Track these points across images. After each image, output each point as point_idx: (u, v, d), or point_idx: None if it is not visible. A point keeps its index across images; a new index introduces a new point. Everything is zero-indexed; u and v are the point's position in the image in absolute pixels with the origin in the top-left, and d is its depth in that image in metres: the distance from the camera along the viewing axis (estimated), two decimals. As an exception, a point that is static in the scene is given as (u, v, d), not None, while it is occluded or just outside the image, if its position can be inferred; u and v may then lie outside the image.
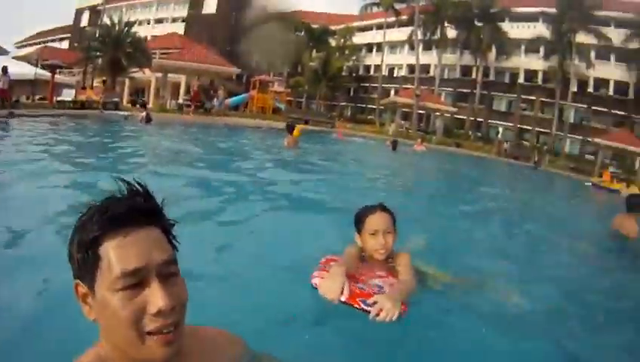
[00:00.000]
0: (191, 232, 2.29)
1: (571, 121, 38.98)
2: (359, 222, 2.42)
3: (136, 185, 0.95)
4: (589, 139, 32.79)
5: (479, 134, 41.24)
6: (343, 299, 1.98)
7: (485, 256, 3.92)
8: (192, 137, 14.41)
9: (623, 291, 3.65)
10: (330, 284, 2.03)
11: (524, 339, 2.32)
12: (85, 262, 0.89)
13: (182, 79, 30.87)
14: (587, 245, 5.36)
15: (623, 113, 37.68)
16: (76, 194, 4.48)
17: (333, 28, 51.17)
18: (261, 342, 1.29)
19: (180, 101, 29.29)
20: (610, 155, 32.01)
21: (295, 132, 10.66)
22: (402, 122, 38.00)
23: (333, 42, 51.07)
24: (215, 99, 26.90)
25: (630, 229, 4.89)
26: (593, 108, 38.73)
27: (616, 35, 36.38)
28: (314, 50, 50.12)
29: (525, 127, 39.79)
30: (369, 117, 46.89)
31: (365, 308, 1.93)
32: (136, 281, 0.86)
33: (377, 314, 1.85)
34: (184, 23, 55.60)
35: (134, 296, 0.86)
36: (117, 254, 0.86)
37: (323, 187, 6.99)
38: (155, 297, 0.85)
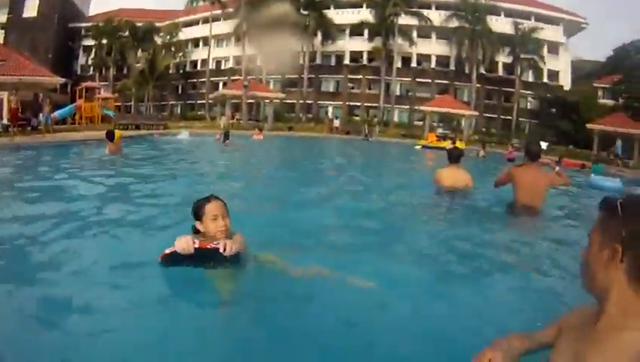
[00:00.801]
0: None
1: (397, 93, 41.33)
2: (199, 210, 2.75)
3: None
4: (416, 108, 35.39)
5: (310, 116, 41.60)
6: (196, 246, 2.47)
7: (331, 237, 3.94)
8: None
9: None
10: (183, 241, 2.49)
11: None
12: None
13: (4, 96, 24.72)
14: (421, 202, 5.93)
15: (445, 82, 41.63)
16: None
17: (158, 25, 48.12)
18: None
19: (5, 121, 23.14)
20: (437, 119, 34.34)
21: (116, 137, 10.36)
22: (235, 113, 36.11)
23: (158, 40, 47.81)
24: (41, 115, 21.81)
25: (455, 179, 5.75)
26: (417, 80, 41.83)
27: (437, 16, 40.28)
28: (139, 50, 46.82)
29: (354, 103, 41.82)
30: (199, 113, 44.26)
31: (214, 245, 2.48)
32: None
33: (224, 249, 2.44)
34: (3, 30, 48.05)
35: None
36: None
37: (154, 186, 6.55)
38: None
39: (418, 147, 23.01)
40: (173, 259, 2.50)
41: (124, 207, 4.75)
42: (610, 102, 40.70)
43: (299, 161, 12.94)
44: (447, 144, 21.15)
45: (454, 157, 5.82)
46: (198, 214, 2.76)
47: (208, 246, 2.47)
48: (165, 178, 7.68)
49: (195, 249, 2.44)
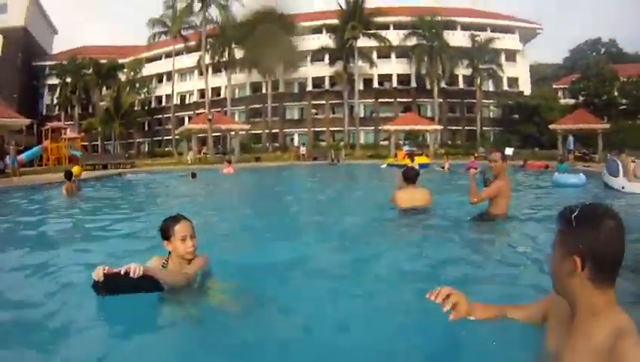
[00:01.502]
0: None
1: (362, 115, 41.67)
2: (167, 231, 2.80)
3: None
4: (380, 128, 35.48)
5: (277, 145, 41.60)
6: (105, 271, 2.40)
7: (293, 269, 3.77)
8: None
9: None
10: (96, 271, 2.40)
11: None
12: None
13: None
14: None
15: (408, 100, 42.51)
16: None
17: (121, 61, 47.64)
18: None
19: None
20: (403, 136, 34.92)
21: (74, 173, 10.28)
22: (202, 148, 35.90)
23: (122, 77, 47.35)
24: (7, 157, 21.21)
25: (413, 199, 5.78)
26: (380, 100, 42.46)
27: (395, 36, 41.03)
28: (104, 88, 46.61)
29: (320, 129, 42.12)
30: (167, 149, 43.83)
31: (119, 269, 2.39)
32: None
33: (128, 272, 2.36)
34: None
35: None
36: None
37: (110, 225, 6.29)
38: None
39: (384, 166, 23.35)
40: (106, 288, 2.41)
41: (82, 245, 4.77)
42: (571, 101, 41.87)
43: (268, 191, 13.01)
44: (408, 161, 21.99)
45: (410, 177, 5.83)
46: (166, 235, 2.79)
47: (115, 271, 2.40)
48: (124, 218, 7.35)
49: (105, 275, 2.36)
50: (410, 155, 25.93)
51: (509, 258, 3.80)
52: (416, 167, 18.20)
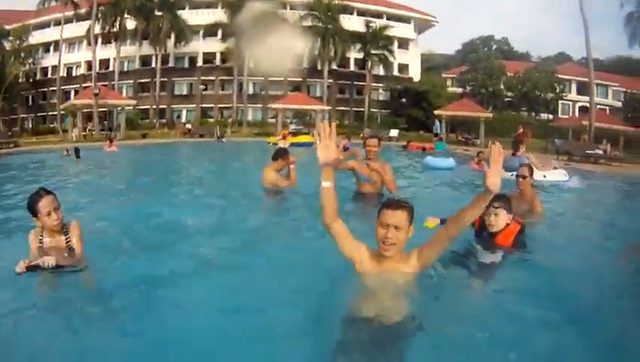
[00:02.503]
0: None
1: (251, 92, 42.09)
2: (33, 208, 3.02)
3: None
4: (269, 106, 36.12)
5: (164, 121, 40.98)
6: (26, 265, 2.78)
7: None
8: None
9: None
10: (19, 264, 2.78)
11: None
12: None
13: None
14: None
15: (299, 79, 43.06)
16: None
17: (7, 27, 43.13)
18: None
19: None
20: (291, 115, 35.78)
21: None
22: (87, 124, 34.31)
23: (7, 45, 42.98)
24: None
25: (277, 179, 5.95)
26: (270, 79, 42.46)
27: (291, 15, 40.14)
28: None
29: (209, 105, 41.97)
30: (52, 125, 41.09)
31: (37, 262, 2.78)
32: None
33: (43, 263, 2.75)
34: None
35: None
36: None
37: None
38: None
39: (270, 144, 23.25)
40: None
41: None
42: (459, 90, 45.02)
43: (149, 170, 12.77)
44: (301, 139, 22.82)
45: (275, 157, 6.00)
46: (33, 212, 3.02)
47: (33, 263, 2.77)
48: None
49: (26, 267, 2.75)
50: (294, 134, 27.01)
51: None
52: (287, 146, 19.22)
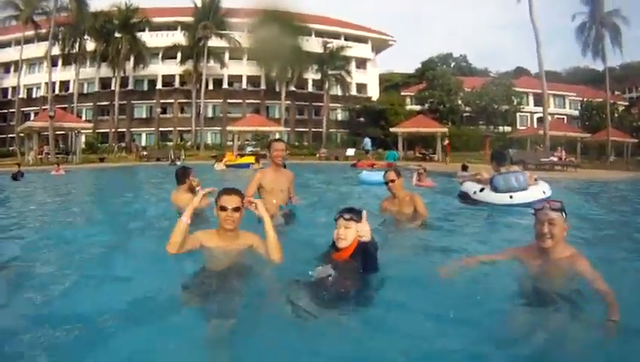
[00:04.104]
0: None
1: (210, 115, 43.06)
2: None
3: None
4: (227, 128, 36.47)
5: (123, 144, 40.96)
6: None
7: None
8: None
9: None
10: None
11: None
12: None
13: None
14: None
15: (257, 101, 44.36)
16: None
17: None
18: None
19: None
20: (250, 137, 36.69)
21: None
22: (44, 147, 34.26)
23: None
24: None
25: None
26: (229, 101, 43.83)
27: (246, 39, 40.15)
28: None
29: (168, 128, 42.32)
30: (11, 148, 40.39)
31: None
32: None
33: None
34: None
35: None
36: None
37: None
38: None
39: (214, 165, 23.58)
40: None
41: None
42: (417, 107, 46.61)
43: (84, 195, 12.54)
44: (247, 160, 23.47)
45: (178, 180, 5.56)
46: None
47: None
48: None
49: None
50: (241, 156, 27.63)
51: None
52: (223, 168, 19.72)
